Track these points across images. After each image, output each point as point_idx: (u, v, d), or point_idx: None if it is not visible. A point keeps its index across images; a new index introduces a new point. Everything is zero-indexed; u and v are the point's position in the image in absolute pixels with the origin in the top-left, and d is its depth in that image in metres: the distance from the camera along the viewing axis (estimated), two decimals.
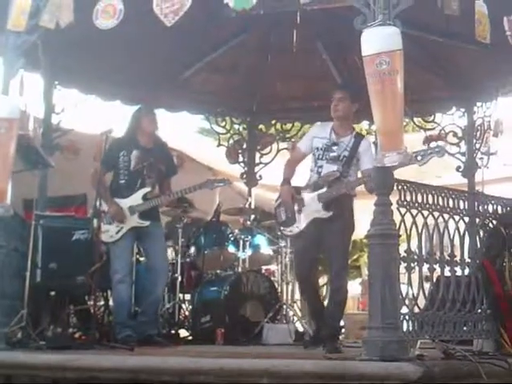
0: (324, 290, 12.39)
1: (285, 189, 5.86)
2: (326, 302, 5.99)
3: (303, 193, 5.77)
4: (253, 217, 8.19)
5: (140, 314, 6.37)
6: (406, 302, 4.30)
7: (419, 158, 4.85)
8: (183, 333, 7.29)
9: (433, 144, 5.39)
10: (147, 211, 6.19)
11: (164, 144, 6.52)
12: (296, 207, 5.76)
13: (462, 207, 4.75)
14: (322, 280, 11.86)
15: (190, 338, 7.12)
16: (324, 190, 5.63)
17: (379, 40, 4.13)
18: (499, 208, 5.04)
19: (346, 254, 5.79)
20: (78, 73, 7.39)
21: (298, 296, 7.45)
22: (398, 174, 4.33)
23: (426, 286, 4.53)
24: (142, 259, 6.96)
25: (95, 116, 8.96)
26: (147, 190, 6.23)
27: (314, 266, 6.01)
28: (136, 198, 6.19)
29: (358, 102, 5.65)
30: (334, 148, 5.66)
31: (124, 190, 6.23)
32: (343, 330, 7.09)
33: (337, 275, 5.66)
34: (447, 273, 4.63)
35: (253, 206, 8.58)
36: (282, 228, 6.04)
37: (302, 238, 5.80)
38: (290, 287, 8.08)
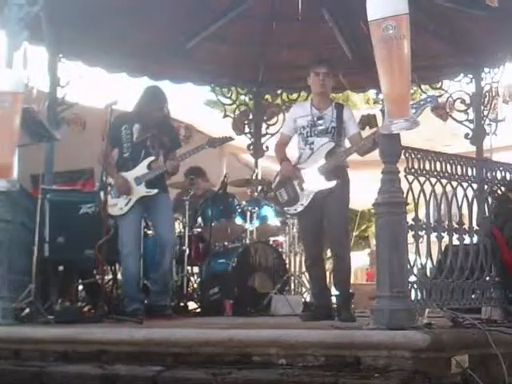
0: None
1: (286, 164, 5.83)
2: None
3: (299, 170, 5.76)
4: (260, 188, 8.17)
5: (152, 284, 6.40)
6: (415, 270, 4.27)
7: (413, 111, 4.84)
8: (192, 305, 7.31)
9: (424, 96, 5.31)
10: (154, 180, 6.17)
11: (168, 119, 6.48)
12: (297, 185, 5.76)
13: (470, 174, 4.70)
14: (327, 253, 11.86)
15: (199, 310, 7.14)
16: (322, 162, 5.65)
17: (385, 4, 4.06)
18: (507, 175, 4.98)
19: (347, 222, 5.96)
20: (83, 45, 7.37)
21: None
22: (406, 142, 4.29)
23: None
24: (149, 233, 6.96)
25: (100, 89, 8.92)
26: (151, 158, 6.20)
27: (322, 243, 6.06)
28: (141, 168, 6.17)
29: (335, 77, 5.93)
30: (320, 122, 5.72)
31: (129, 162, 6.20)
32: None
33: (339, 244, 5.75)
34: (455, 241, 4.59)
35: (260, 178, 8.55)
36: (285, 208, 5.95)
37: (308, 213, 5.76)
38: (297, 258, 8.08)
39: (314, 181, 5.67)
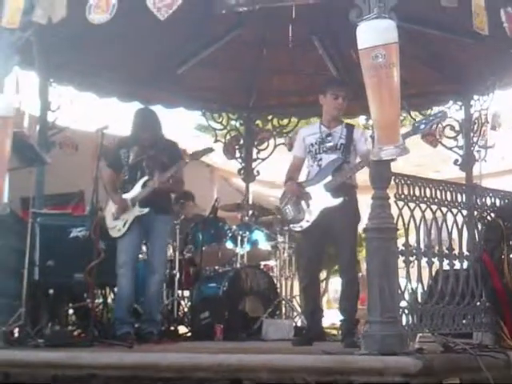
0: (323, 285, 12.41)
1: (290, 184, 5.78)
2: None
3: (306, 187, 5.69)
4: (250, 212, 8.18)
5: (142, 312, 6.41)
6: (405, 295, 4.29)
7: (422, 126, 4.87)
8: (182, 329, 7.28)
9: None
10: (147, 199, 6.15)
11: (169, 140, 6.47)
12: (303, 202, 5.68)
13: (459, 200, 4.74)
14: (322, 275, 11.86)
15: (190, 334, 7.11)
16: (329, 178, 5.56)
17: (375, 33, 4.11)
18: (497, 201, 5.02)
19: (355, 244, 5.71)
20: (73, 70, 7.40)
21: (296, 291, 7.42)
22: (396, 168, 4.32)
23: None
24: (141, 256, 6.94)
25: (91, 113, 8.94)
26: (146, 178, 6.21)
27: (321, 263, 5.95)
28: (136, 189, 6.21)
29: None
30: (329, 139, 5.65)
31: (128, 185, 6.27)
32: None
33: (348, 267, 5.58)
34: (446, 266, 4.61)
35: (250, 202, 8.57)
36: (291, 225, 5.88)
37: (313, 231, 5.62)
38: (288, 282, 8.09)
39: (320, 198, 5.57)
